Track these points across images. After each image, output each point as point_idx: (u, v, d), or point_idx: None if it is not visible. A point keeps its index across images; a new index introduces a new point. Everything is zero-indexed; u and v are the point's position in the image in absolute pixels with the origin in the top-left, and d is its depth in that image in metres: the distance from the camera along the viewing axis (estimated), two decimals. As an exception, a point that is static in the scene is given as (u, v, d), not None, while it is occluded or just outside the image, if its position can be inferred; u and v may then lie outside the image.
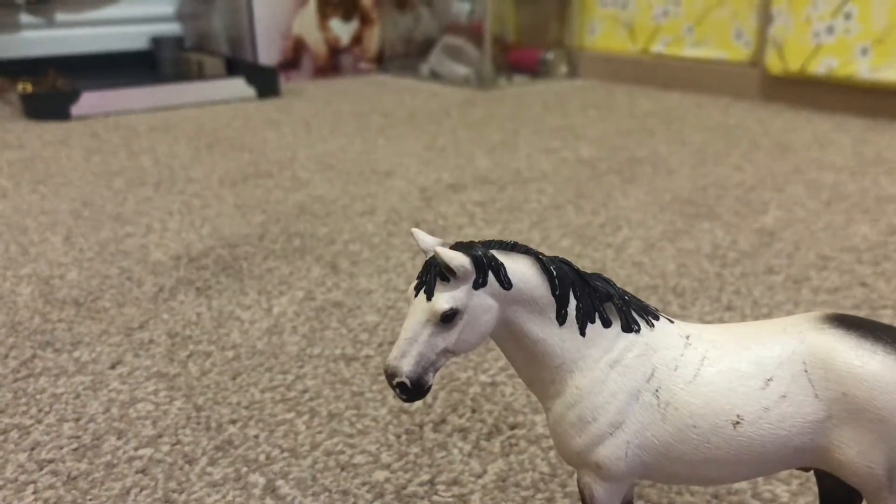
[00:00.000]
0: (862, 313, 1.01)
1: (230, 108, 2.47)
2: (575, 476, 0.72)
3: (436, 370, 0.50)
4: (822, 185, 1.55)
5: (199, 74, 2.77)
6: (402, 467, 0.74)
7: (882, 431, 0.47)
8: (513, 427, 0.79)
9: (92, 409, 0.84)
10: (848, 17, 2.09)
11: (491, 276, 0.50)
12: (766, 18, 2.31)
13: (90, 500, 0.70)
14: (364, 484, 0.72)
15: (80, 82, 2.42)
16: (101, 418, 0.82)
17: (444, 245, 0.50)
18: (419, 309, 0.49)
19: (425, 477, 0.72)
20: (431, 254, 0.50)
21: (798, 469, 0.54)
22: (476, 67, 2.80)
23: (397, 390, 0.50)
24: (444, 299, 0.49)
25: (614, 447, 0.51)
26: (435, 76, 2.93)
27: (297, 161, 1.83)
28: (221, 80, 2.59)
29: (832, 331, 0.50)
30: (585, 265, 1.18)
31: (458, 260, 0.48)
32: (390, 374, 0.50)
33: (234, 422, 0.81)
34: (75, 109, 2.32)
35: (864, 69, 2.08)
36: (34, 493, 0.71)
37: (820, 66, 2.17)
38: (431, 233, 1.34)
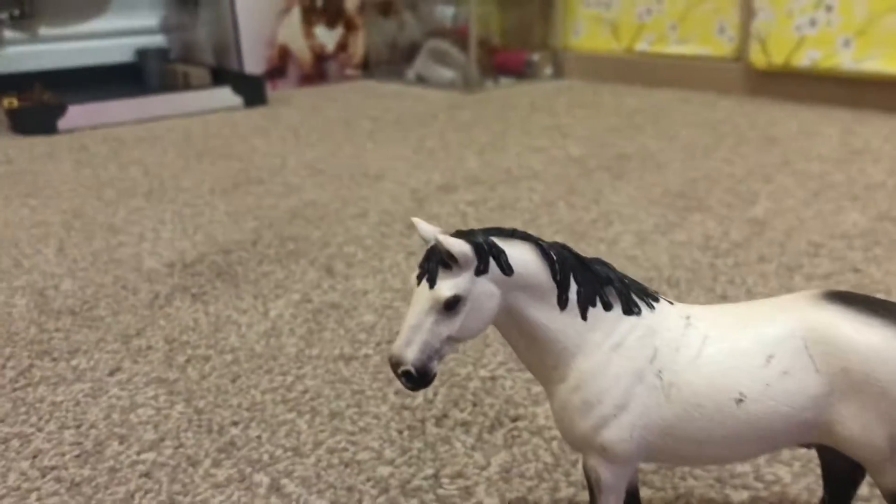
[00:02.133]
0: (855, 298, 1.02)
1: (218, 117, 2.47)
2: (579, 464, 0.72)
3: (440, 358, 0.50)
4: (811, 175, 1.57)
5: (186, 85, 2.77)
6: (406, 462, 0.74)
7: (883, 404, 0.48)
8: (514, 419, 0.80)
9: (92, 415, 0.84)
10: (829, 9, 2.11)
11: (492, 263, 0.50)
12: (748, 13, 2.33)
13: (95, 504, 0.70)
14: (369, 479, 0.72)
15: (67, 96, 2.42)
16: (102, 424, 0.82)
17: (444, 234, 0.51)
18: (422, 297, 0.50)
19: (429, 471, 0.73)
20: (432, 243, 0.50)
21: (800, 446, 0.55)
22: (462, 71, 2.81)
23: (403, 379, 0.50)
24: (447, 287, 0.49)
25: (619, 429, 0.51)
26: (421, 80, 2.94)
27: (287, 167, 1.83)
28: (208, 90, 2.59)
29: (830, 307, 0.50)
30: (579, 260, 1.19)
31: (460, 247, 0.49)
32: (395, 363, 0.50)
33: (235, 423, 0.81)
34: (62, 123, 2.32)
35: (848, 60, 2.10)
36: (38, 499, 0.71)
37: (804, 59, 2.19)
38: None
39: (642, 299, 0.53)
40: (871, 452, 0.49)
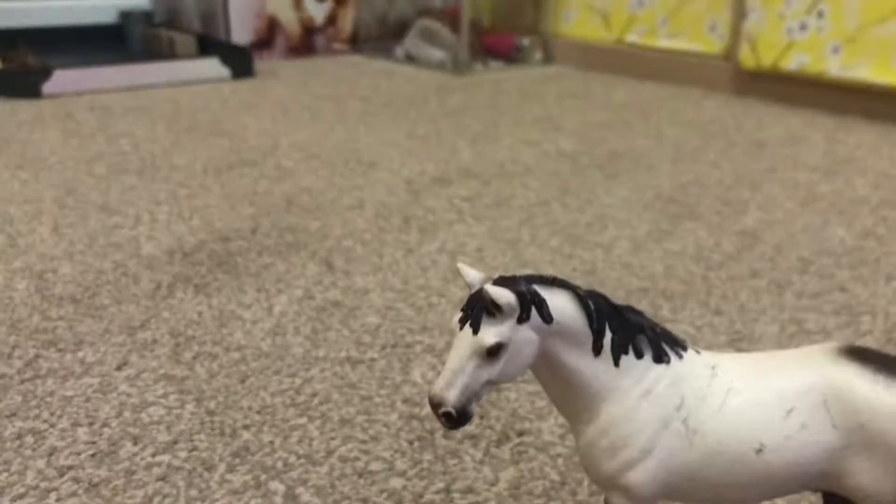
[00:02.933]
0: (842, 319, 1.06)
1: (205, 88, 2.44)
2: (585, 483, 0.75)
3: (479, 400, 0.52)
4: (798, 184, 1.60)
5: (171, 52, 2.73)
6: (418, 474, 0.76)
7: (894, 460, 0.51)
8: (520, 434, 0.82)
9: (104, 412, 0.85)
10: (820, 15, 2.14)
11: (533, 311, 0.52)
12: (740, 13, 2.35)
13: (113, 507, 0.72)
14: (382, 491, 0.74)
15: (47, 57, 2.38)
16: (115, 423, 0.83)
17: (489, 281, 0.52)
18: (465, 342, 0.52)
19: (441, 484, 0.75)
20: (476, 288, 0.52)
21: (811, 491, 0.58)
22: (452, 52, 2.81)
23: (443, 419, 0.52)
24: (491, 334, 0.51)
25: (644, 472, 0.54)
26: (410, 59, 2.93)
27: (280, 149, 1.83)
28: (196, 60, 2.56)
29: (849, 364, 0.53)
30: (576, 266, 1.21)
31: (506, 297, 0.50)
32: (436, 404, 0.52)
33: (247, 427, 0.83)
34: (47, 88, 2.28)
35: (835, 67, 2.14)
36: (57, 500, 0.72)
37: (792, 63, 2.23)
38: (422, 229, 1.36)
39: (672, 348, 0.55)
40: (878, 502, 0.53)
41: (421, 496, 0.74)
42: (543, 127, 2.06)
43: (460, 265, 0.55)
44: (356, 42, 3.12)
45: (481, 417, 0.85)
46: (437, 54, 2.85)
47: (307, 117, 2.12)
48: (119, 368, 0.94)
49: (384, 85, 2.56)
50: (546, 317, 0.52)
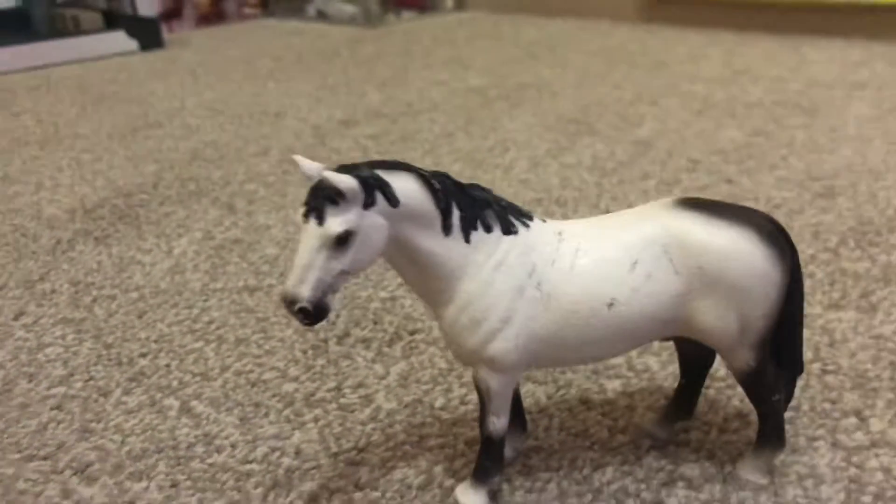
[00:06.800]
0: (727, 207, 1.10)
1: (113, 62, 2.40)
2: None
3: (335, 292, 0.52)
4: (695, 96, 1.64)
5: (76, 30, 2.68)
6: (310, 378, 0.79)
7: (733, 296, 0.54)
8: (412, 333, 0.85)
9: (-1, 358, 0.86)
10: (713, -66, 2.18)
11: (379, 196, 0.52)
12: (638, -60, 2.38)
13: (7, 438, 0.73)
14: (274, 395, 0.76)
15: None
16: (10, 365, 0.84)
17: (329, 169, 0.51)
18: (312, 235, 0.51)
19: (332, 384, 0.77)
20: (316, 179, 0.51)
21: (663, 340, 0.61)
22: (363, 5, 2.79)
23: (300, 316, 0.51)
24: (337, 223, 0.50)
25: (505, 341, 0.55)
26: (322, 16, 2.91)
27: (186, 110, 1.81)
28: (101, 35, 2.51)
29: (684, 213, 0.56)
30: (475, 185, 1.23)
31: (347, 182, 0.50)
32: (290, 301, 0.51)
33: (144, 355, 0.84)
34: (-55, 73, 2.23)
35: (732, -15, 2.18)
36: (-50, 438, 0.73)
37: (691, -15, 2.26)
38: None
39: (518, 219, 0.57)
40: (725, 339, 0.56)
41: (312, 395, 0.76)
42: (453, 68, 2.07)
43: (296, 157, 0.54)
44: (267, 5, 3.09)
45: (375, 323, 0.87)
46: (348, 8, 2.83)
47: (215, 79, 2.11)
48: (16, 318, 0.94)
49: (296, 43, 2.55)
50: (392, 199, 0.52)
